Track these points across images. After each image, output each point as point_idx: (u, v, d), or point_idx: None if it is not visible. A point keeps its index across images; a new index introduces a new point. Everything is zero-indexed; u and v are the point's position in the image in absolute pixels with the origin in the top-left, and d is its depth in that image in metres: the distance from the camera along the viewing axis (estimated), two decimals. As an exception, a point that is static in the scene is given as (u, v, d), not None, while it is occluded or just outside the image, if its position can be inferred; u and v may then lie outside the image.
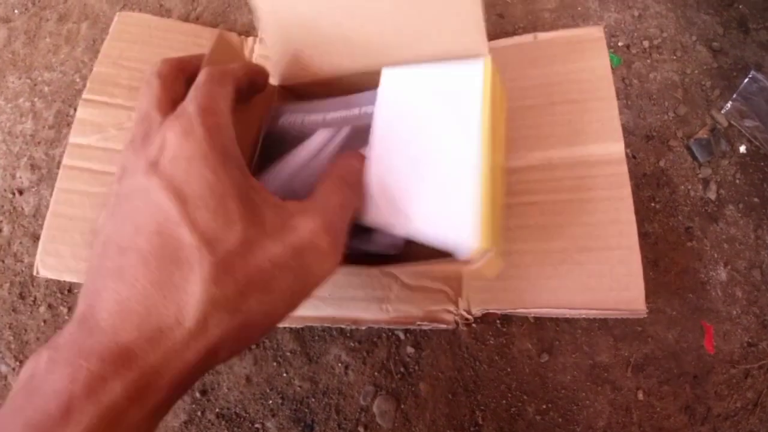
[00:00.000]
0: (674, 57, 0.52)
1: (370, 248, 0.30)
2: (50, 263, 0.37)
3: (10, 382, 0.38)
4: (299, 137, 0.33)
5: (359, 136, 0.30)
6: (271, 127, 0.34)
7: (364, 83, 0.33)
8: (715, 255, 0.45)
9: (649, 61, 0.51)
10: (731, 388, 0.41)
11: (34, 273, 0.36)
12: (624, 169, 0.38)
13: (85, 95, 0.41)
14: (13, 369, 0.38)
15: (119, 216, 0.21)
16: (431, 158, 0.27)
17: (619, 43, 0.51)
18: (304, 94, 0.37)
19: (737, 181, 0.48)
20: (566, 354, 0.39)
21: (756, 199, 0.47)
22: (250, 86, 0.26)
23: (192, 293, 0.18)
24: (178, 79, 0.25)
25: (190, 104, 0.22)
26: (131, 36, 0.45)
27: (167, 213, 0.19)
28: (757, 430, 0.41)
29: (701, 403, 0.40)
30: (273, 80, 0.35)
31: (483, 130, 0.27)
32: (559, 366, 0.39)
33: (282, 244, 0.20)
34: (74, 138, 0.40)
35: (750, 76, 0.52)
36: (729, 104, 0.51)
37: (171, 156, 0.20)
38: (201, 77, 0.24)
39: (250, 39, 0.45)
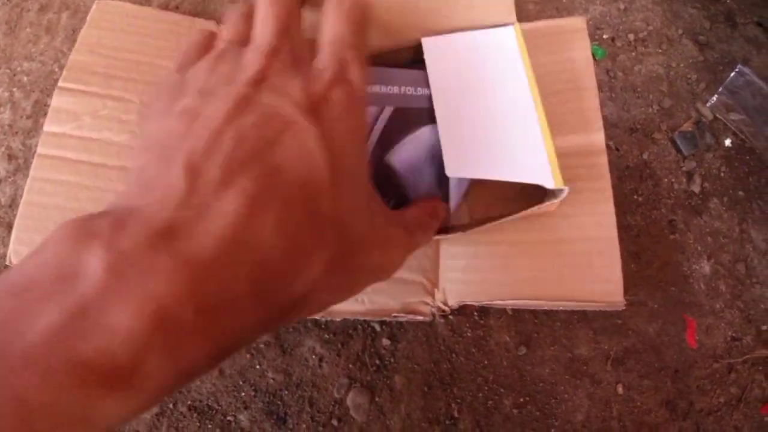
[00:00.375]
0: (660, 50, 0.52)
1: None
2: (23, 252, 0.37)
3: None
4: None
5: (401, 118, 0.31)
6: None
7: (397, 58, 0.35)
8: (699, 248, 0.44)
9: (634, 54, 0.51)
10: (714, 383, 0.40)
11: (7, 262, 0.36)
12: (604, 160, 0.38)
13: (60, 83, 0.41)
14: None
15: (244, 122, 0.18)
16: (494, 113, 0.31)
17: (604, 36, 0.51)
18: None
19: (722, 175, 0.47)
20: (545, 347, 0.39)
21: (741, 193, 0.47)
22: None
23: (310, 271, 0.17)
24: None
25: (354, 69, 0.21)
26: (109, 24, 0.44)
27: (317, 174, 0.18)
28: (741, 426, 0.40)
29: (683, 398, 0.40)
30: None
31: (530, 83, 0.32)
32: (537, 359, 0.38)
33: (380, 251, 0.21)
34: (49, 126, 0.40)
35: (737, 70, 0.52)
36: (715, 98, 0.51)
37: (336, 116, 0.19)
38: (351, 39, 0.22)
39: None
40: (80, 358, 0.12)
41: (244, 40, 0.22)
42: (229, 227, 0.15)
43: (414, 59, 0.37)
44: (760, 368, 0.41)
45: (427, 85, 0.32)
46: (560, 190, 0.32)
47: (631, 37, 0.51)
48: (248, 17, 0.23)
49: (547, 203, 0.34)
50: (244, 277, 0.16)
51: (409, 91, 0.32)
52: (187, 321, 0.14)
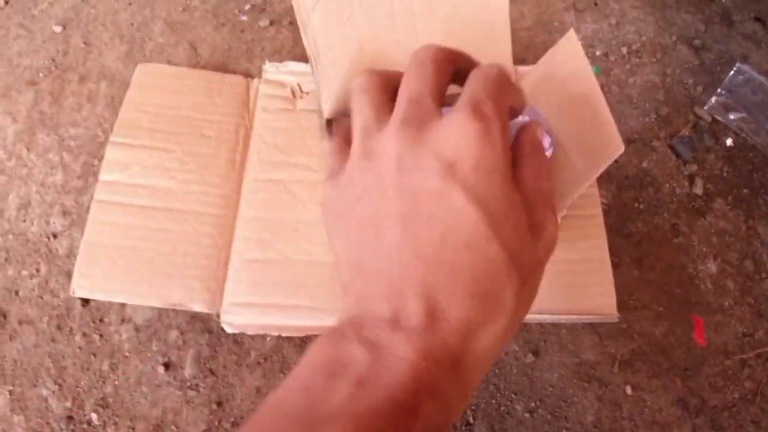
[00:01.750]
0: (654, 59, 0.54)
1: None
2: (84, 284, 0.43)
3: (50, 404, 0.43)
4: None
5: None
6: None
7: None
8: (704, 249, 0.46)
9: (628, 66, 0.54)
10: (727, 379, 0.42)
11: (71, 293, 0.42)
12: (595, 190, 0.42)
13: (112, 138, 0.47)
14: (53, 392, 0.44)
15: (407, 214, 0.21)
16: None
17: (597, 53, 0.54)
18: None
19: (725, 174, 0.49)
20: (552, 354, 0.42)
21: (746, 190, 0.49)
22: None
23: (505, 307, 0.20)
24: (449, 67, 0.25)
25: (487, 103, 0.21)
26: (150, 84, 0.51)
27: (476, 227, 0.20)
28: (758, 420, 0.42)
29: (695, 396, 0.42)
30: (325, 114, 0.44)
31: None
32: (545, 365, 0.42)
33: (544, 250, 0.23)
34: (104, 176, 0.47)
35: (735, 68, 0.54)
36: (713, 99, 0.53)
37: (472, 164, 0.20)
38: (491, 72, 0.24)
39: (256, 80, 0.51)
40: (373, 407, 0.17)
41: (380, 117, 0.24)
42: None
43: None
44: (775, 362, 0.43)
45: None
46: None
47: (624, 50, 0.54)
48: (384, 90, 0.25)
49: None
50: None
51: None
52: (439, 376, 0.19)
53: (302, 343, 0.44)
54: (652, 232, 0.47)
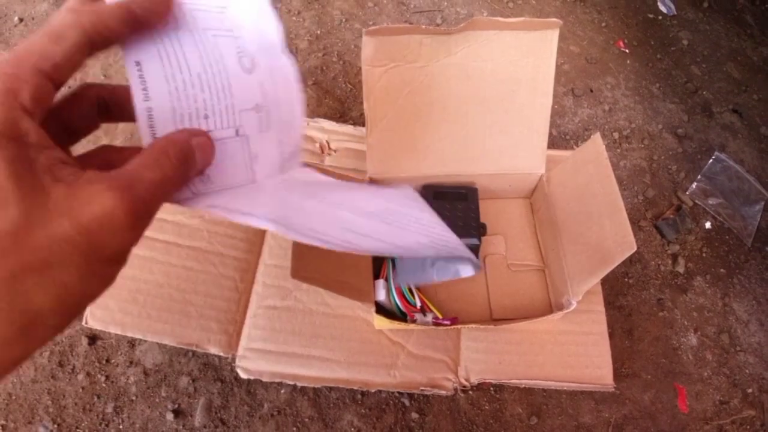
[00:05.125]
0: (642, 145, 0.62)
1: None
2: (98, 315, 0.45)
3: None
4: None
5: None
6: None
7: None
8: (686, 323, 0.52)
9: (619, 150, 0.61)
10: (706, 445, 0.48)
11: (83, 323, 0.43)
12: None
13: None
14: (50, 431, 0.45)
15: None
16: None
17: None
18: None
19: (704, 255, 0.56)
20: (553, 417, 0.46)
21: (722, 270, 0.56)
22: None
23: None
24: None
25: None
26: None
27: None
28: (732, 484, 0.47)
29: (678, 460, 0.47)
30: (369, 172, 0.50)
31: None
32: (547, 428, 0.46)
33: (68, 220, 0.20)
34: None
35: (713, 157, 0.62)
36: (694, 185, 0.60)
37: None
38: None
39: None
40: None
41: None
42: None
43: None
44: (748, 427, 0.49)
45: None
46: (569, 304, 0.43)
47: (616, 135, 0.62)
48: None
49: (557, 313, 0.45)
50: None
51: None
52: None
53: (316, 396, 0.47)
54: (640, 306, 0.52)
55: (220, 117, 0.26)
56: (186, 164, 0.24)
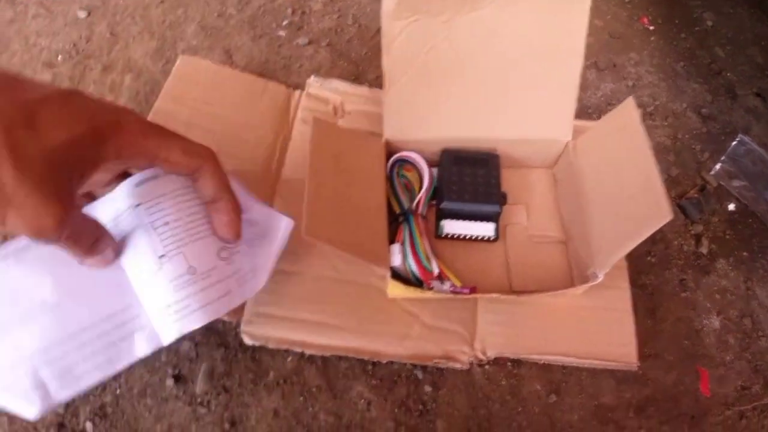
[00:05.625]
0: (666, 123, 0.60)
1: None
2: None
3: None
4: None
5: None
6: None
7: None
8: (708, 305, 0.51)
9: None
10: (727, 429, 0.46)
11: None
12: None
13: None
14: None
15: None
16: None
17: (616, 109, 0.59)
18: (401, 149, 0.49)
19: (727, 237, 0.55)
20: (573, 395, 0.44)
21: (745, 253, 0.54)
22: None
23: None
24: None
25: None
26: (191, 78, 0.52)
27: None
28: (752, 470, 0.45)
29: (699, 444, 0.45)
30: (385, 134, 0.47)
31: None
32: (566, 406, 0.44)
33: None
34: None
35: (737, 139, 0.60)
36: (718, 166, 0.58)
37: None
38: None
39: (297, 92, 0.53)
40: None
41: None
42: None
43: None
44: (769, 415, 0.47)
45: None
46: (595, 276, 0.41)
47: (640, 111, 0.59)
48: None
49: (581, 287, 0.43)
50: None
51: None
52: None
53: (324, 366, 0.45)
54: (662, 285, 0.51)
55: None
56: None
